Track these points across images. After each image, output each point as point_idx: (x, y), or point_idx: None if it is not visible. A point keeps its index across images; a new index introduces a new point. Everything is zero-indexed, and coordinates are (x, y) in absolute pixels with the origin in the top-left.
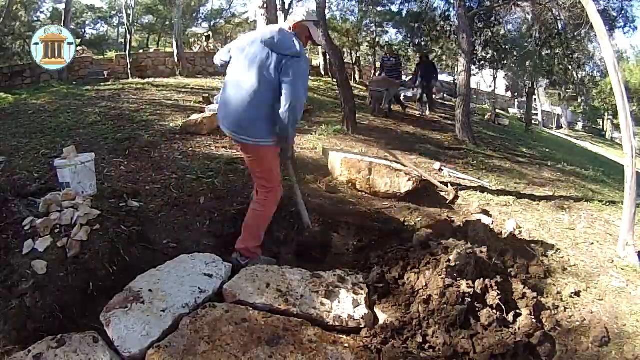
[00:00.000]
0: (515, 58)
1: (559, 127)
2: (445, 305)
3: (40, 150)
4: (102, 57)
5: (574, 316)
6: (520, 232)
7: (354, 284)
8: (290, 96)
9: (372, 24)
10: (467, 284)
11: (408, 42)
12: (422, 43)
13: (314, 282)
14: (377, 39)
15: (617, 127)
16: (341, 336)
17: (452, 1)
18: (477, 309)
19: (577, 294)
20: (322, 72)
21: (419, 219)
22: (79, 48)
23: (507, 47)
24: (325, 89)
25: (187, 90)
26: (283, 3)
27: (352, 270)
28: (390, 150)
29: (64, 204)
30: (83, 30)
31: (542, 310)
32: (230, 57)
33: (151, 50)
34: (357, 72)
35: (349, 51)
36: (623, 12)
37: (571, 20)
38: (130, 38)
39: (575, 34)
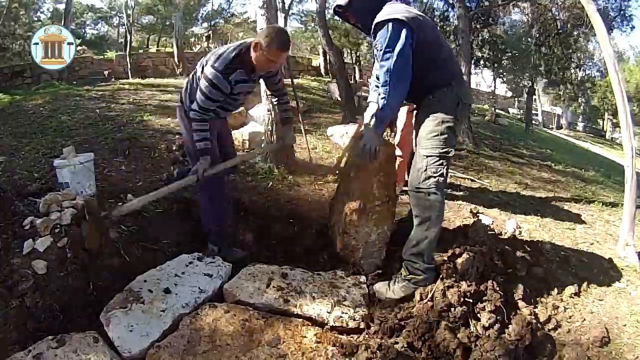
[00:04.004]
0: (513, 58)
1: (559, 127)
2: (446, 306)
3: (40, 150)
4: (102, 57)
5: (574, 316)
6: (521, 232)
7: (355, 284)
8: None
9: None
10: (468, 284)
11: None
12: None
13: (315, 283)
14: None
15: (617, 126)
16: (341, 336)
17: (452, 2)
18: (477, 309)
19: (577, 294)
20: (322, 72)
21: None
22: (79, 48)
23: (505, 47)
24: (325, 89)
25: None
26: (283, 3)
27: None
28: None
29: (64, 203)
30: (83, 30)
31: (542, 310)
32: None
33: (151, 51)
34: (357, 72)
35: (349, 51)
36: (621, 11)
37: (570, 20)
38: (131, 38)
39: (575, 33)
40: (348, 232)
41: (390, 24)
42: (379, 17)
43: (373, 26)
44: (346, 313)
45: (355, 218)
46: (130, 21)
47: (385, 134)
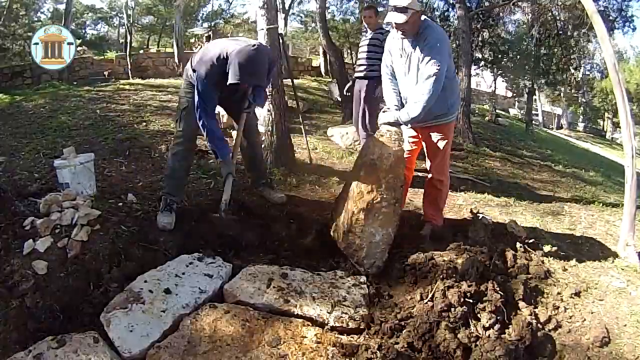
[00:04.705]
0: (513, 58)
1: (559, 127)
2: (446, 306)
3: (40, 151)
4: (102, 57)
5: (575, 316)
6: (520, 232)
7: (355, 285)
8: None
9: None
10: (468, 284)
11: None
12: None
13: (315, 283)
14: None
15: (617, 127)
16: (342, 337)
17: (452, 2)
18: (477, 309)
19: (578, 294)
20: (322, 73)
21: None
22: (79, 48)
23: (505, 47)
24: (326, 90)
25: None
26: (283, 3)
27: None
28: None
29: (64, 204)
30: (83, 31)
31: (543, 310)
32: None
33: (152, 51)
34: None
35: (349, 51)
36: (622, 12)
37: (570, 21)
38: (131, 38)
39: (575, 34)
40: (353, 231)
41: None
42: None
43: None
44: (346, 313)
45: (362, 217)
46: (131, 21)
47: (396, 138)
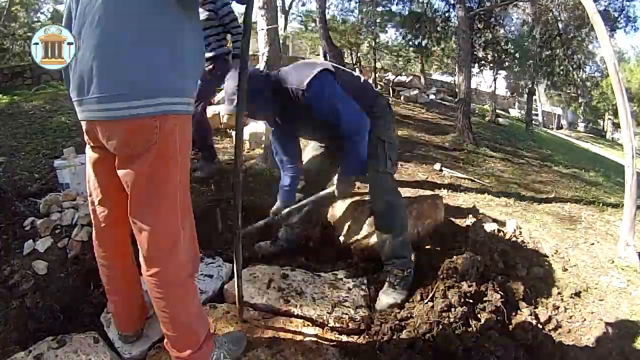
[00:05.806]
0: (515, 59)
1: (560, 127)
2: (446, 306)
3: (40, 151)
4: None
5: (575, 316)
6: (521, 232)
7: (356, 285)
8: None
9: (372, 24)
10: (468, 284)
11: (409, 43)
12: (423, 43)
13: (315, 283)
14: (377, 39)
15: (617, 127)
16: (342, 337)
17: (452, 2)
18: (477, 309)
19: (578, 294)
20: None
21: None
22: None
23: (507, 48)
24: None
25: None
26: (283, 3)
27: (353, 271)
28: None
29: (64, 204)
30: None
31: (543, 310)
32: None
33: None
34: (357, 73)
35: (349, 52)
36: (624, 12)
37: (572, 21)
38: None
39: (576, 34)
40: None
41: None
42: None
43: None
44: (346, 314)
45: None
46: None
47: None
